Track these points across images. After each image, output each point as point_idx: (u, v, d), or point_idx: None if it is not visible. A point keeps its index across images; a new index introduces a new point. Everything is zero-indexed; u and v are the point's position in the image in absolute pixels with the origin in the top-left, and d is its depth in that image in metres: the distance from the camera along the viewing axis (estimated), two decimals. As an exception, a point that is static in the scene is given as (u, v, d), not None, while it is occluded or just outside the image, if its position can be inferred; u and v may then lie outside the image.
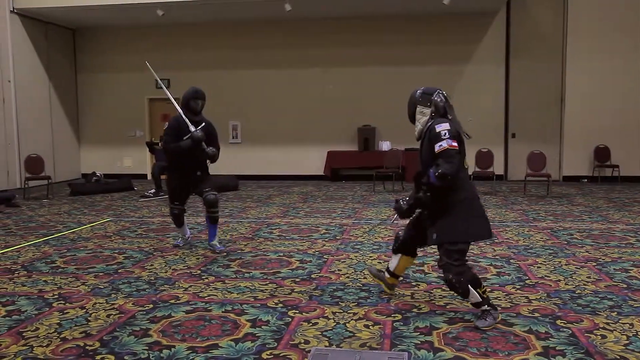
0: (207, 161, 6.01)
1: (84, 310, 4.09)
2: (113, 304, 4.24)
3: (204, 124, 5.95)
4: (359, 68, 13.58)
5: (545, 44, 13.20)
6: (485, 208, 9.04)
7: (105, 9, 12.24)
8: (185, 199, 6.16)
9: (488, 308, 3.73)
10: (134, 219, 8.37)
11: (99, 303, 4.26)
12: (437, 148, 3.68)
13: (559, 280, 4.77)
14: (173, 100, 6.18)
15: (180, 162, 5.88)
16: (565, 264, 5.34)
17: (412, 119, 4.08)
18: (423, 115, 3.95)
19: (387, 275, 4.37)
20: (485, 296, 3.72)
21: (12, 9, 12.18)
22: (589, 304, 4.14)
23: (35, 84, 13.05)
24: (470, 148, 13.14)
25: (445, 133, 3.68)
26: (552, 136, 13.32)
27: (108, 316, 3.95)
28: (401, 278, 4.55)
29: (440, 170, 3.62)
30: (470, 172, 12.24)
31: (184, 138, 5.75)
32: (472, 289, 3.66)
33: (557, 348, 3.33)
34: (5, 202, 9.50)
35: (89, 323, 3.82)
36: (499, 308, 4.00)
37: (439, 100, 3.91)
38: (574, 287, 4.56)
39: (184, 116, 5.81)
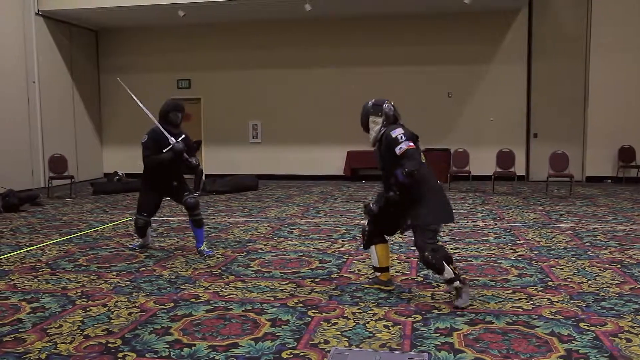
0: (193, 172, 6.10)
1: (106, 308, 4.14)
2: (134, 302, 4.28)
3: (183, 135, 5.89)
4: (380, 68, 13.53)
5: (568, 42, 13.02)
6: (507, 209, 9.04)
7: (128, 10, 12.38)
8: (154, 211, 6.14)
9: (460, 285, 4.08)
10: (155, 218, 8.43)
11: (120, 301, 4.30)
12: (397, 151, 4.13)
13: (582, 282, 4.71)
14: (149, 113, 6.20)
15: (157, 173, 5.86)
16: (589, 266, 5.26)
17: (366, 128, 4.49)
18: (376, 124, 4.38)
19: (377, 274, 4.66)
20: (456, 272, 4.11)
21: (37, 11, 12.38)
22: (613, 306, 4.07)
23: (58, 85, 13.25)
24: (490, 149, 13.10)
25: (402, 136, 4.16)
26: (575, 136, 13.14)
27: (130, 314, 3.99)
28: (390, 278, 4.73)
29: (406, 169, 4.06)
30: (491, 172, 12.14)
31: (164, 150, 5.69)
32: (446, 265, 4.04)
33: (580, 351, 3.28)
34: (30, 201, 9.66)
35: (111, 321, 3.86)
36: (520, 310, 3.97)
37: (388, 109, 4.40)
38: (597, 290, 4.49)
39: (161, 128, 5.77)
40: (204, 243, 6.01)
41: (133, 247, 6.23)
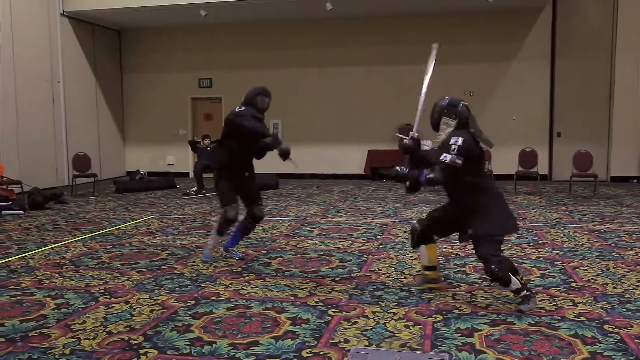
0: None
1: (128, 305, 4.18)
2: (156, 299, 4.32)
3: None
4: (401, 66, 13.45)
5: (593, 40, 12.82)
6: (529, 208, 8.95)
7: (150, 10, 12.52)
8: (238, 200, 5.54)
9: (528, 293, 3.96)
10: (177, 216, 8.52)
11: (142, 298, 4.35)
12: (442, 157, 3.96)
13: (607, 284, 4.63)
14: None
15: (235, 161, 5.44)
16: (613, 267, 5.18)
17: (436, 128, 4.28)
18: (448, 126, 4.18)
19: (426, 272, 4.53)
20: (523, 282, 3.99)
21: (62, 12, 12.57)
22: (639, 309, 4.00)
23: (82, 84, 13.44)
24: (512, 148, 12.96)
25: (455, 149, 3.94)
26: (599, 135, 12.93)
27: (151, 311, 4.03)
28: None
29: (431, 175, 3.97)
30: (513, 172, 12.01)
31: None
32: (512, 276, 3.90)
33: (604, 354, 3.23)
34: (54, 199, 9.80)
35: (133, 318, 3.90)
36: (543, 311, 3.92)
37: (462, 112, 4.20)
38: (622, 291, 4.42)
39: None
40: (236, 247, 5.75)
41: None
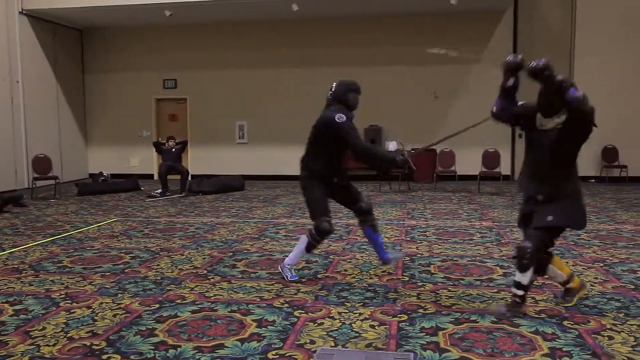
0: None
1: (91, 309, 4.11)
2: (119, 303, 4.25)
3: None
4: (365, 68, 13.54)
5: (552, 43, 13.12)
6: (492, 208, 9.10)
7: (113, 9, 12.30)
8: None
9: (518, 301, 3.88)
10: (141, 218, 8.40)
11: (105, 303, 4.27)
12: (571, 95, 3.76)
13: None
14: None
15: (326, 167, 4.83)
16: (573, 265, 5.31)
17: (551, 112, 3.92)
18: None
19: (570, 285, 4.12)
20: (527, 290, 3.92)
21: (20, 10, 12.26)
22: (596, 305, 4.11)
23: (43, 85, 13.13)
24: (476, 149, 13.16)
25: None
26: (559, 136, 13.23)
27: (114, 316, 3.97)
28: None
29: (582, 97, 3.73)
30: (477, 172, 12.21)
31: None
32: (532, 270, 3.82)
33: (563, 349, 3.31)
34: (13, 202, 9.55)
35: (96, 322, 3.83)
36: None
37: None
38: (581, 288, 4.53)
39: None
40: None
41: (293, 278, 4.85)
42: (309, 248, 4.88)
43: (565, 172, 3.92)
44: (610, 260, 5.50)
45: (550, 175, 3.88)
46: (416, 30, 13.38)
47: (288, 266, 4.92)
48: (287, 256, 5.05)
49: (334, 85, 4.86)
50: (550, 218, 3.79)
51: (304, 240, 4.86)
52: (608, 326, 3.67)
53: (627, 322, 3.74)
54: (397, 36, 13.49)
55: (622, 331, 3.58)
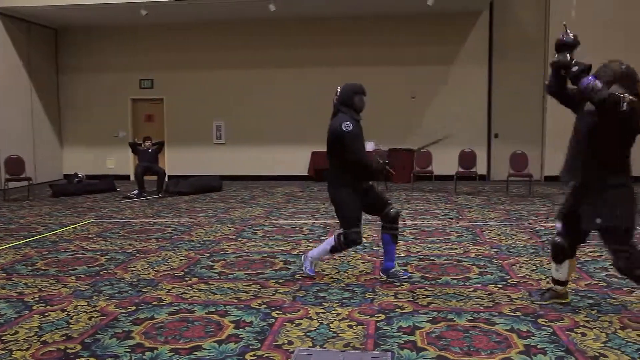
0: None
1: (65, 312, 4.05)
2: (95, 306, 4.20)
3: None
4: (343, 68, 13.57)
5: (527, 44, 13.32)
6: (469, 208, 9.19)
7: (88, 8, 12.14)
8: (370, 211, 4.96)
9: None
10: (117, 220, 8.31)
11: (80, 305, 4.21)
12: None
13: (541, 279, 4.82)
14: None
15: (358, 172, 4.75)
16: (547, 263, 5.38)
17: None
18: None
19: (558, 287, 4.15)
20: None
21: (-8, 8, 12.05)
22: (569, 302, 4.18)
23: (15, 84, 12.90)
24: (453, 148, 13.27)
25: (627, 98, 3.52)
26: (534, 136, 13.44)
27: (90, 318, 3.92)
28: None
29: (598, 85, 3.58)
30: (453, 172, 12.32)
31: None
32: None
33: (538, 346, 3.36)
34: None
35: (70, 326, 3.78)
36: (481, 307, 4.05)
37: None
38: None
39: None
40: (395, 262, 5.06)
41: (311, 273, 4.98)
42: (333, 251, 4.90)
43: (604, 162, 3.68)
44: (583, 258, 5.59)
45: (587, 163, 3.75)
46: (393, 32, 13.45)
47: (310, 258, 5.01)
48: (311, 249, 5.24)
49: (338, 90, 4.88)
50: (598, 220, 3.68)
51: (330, 241, 4.86)
52: (581, 323, 3.74)
53: (599, 319, 3.81)
54: (374, 37, 13.54)
55: (595, 328, 3.65)
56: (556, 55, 3.95)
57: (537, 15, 13.27)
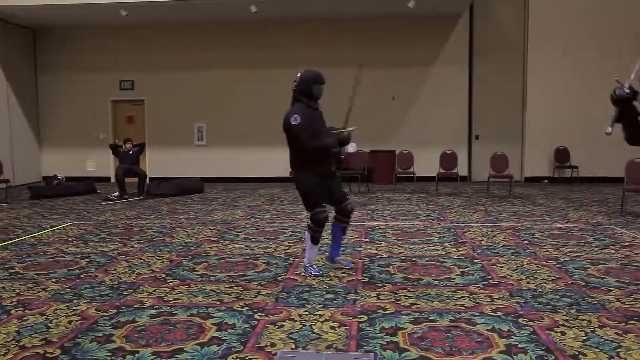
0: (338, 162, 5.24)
1: (44, 317, 4.00)
2: (75, 309, 4.15)
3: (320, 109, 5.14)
4: (325, 69, 13.52)
5: (507, 46, 13.47)
6: (450, 209, 9.26)
7: (67, 8, 12.02)
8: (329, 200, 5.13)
9: None
10: (97, 222, 8.22)
11: (60, 309, 4.16)
12: None
13: (521, 280, 4.87)
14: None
15: (319, 157, 4.96)
16: (527, 263, 5.45)
17: None
18: None
19: None
20: None
21: (-32, 8, 11.86)
22: (549, 302, 4.23)
23: (-7, 85, 12.73)
24: (434, 149, 13.35)
25: None
26: (514, 138, 13.59)
27: (69, 322, 3.87)
28: None
29: None
30: (435, 173, 12.41)
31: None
32: None
33: (519, 346, 3.39)
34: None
35: (50, 330, 3.73)
36: (463, 307, 4.08)
37: None
38: (535, 286, 4.66)
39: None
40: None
41: (318, 273, 5.08)
42: (314, 241, 5.09)
43: None
44: (563, 258, 5.67)
45: None
46: (374, 33, 13.52)
47: (308, 264, 5.15)
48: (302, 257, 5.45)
49: (297, 77, 5.04)
50: None
51: (307, 237, 5.10)
52: (561, 322, 3.78)
53: (579, 318, 3.86)
54: (355, 38, 13.59)
55: (574, 327, 3.70)
56: (614, 109, 3.60)
57: (517, 17, 13.43)
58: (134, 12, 12.18)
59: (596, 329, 3.64)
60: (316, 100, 5.04)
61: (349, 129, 5.12)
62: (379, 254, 5.91)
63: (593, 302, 4.21)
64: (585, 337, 3.51)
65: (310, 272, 5.08)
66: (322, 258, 5.58)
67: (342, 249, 5.72)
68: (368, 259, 5.67)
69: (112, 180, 13.63)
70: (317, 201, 5.00)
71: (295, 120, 4.83)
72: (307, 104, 4.98)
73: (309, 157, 4.92)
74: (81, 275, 5.15)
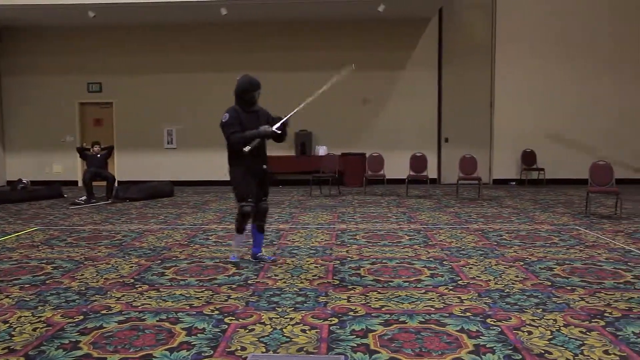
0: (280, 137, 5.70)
1: (8, 324, 3.90)
2: (40, 316, 4.06)
3: (258, 111, 5.63)
4: (295, 72, 13.62)
5: (475, 51, 13.68)
6: (420, 211, 9.33)
7: (32, 8, 11.77)
8: (255, 196, 5.55)
9: None
10: (64, 227, 8.07)
11: (24, 316, 4.07)
12: None
13: (489, 280, 4.94)
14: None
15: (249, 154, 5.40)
16: (495, 264, 5.53)
17: None
18: None
19: None
20: None
21: None
22: (516, 302, 4.31)
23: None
24: (404, 153, 13.45)
25: None
26: (482, 141, 13.80)
27: (34, 330, 3.79)
28: None
29: None
30: (405, 176, 12.51)
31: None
32: None
33: (487, 346, 3.44)
34: None
35: (13, 338, 3.64)
36: (432, 309, 4.12)
37: None
38: (503, 287, 4.73)
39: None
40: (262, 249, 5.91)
41: (233, 260, 5.69)
42: (238, 230, 5.66)
43: None
44: (530, 259, 5.77)
45: None
46: (345, 37, 13.58)
47: (232, 251, 5.81)
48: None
49: (237, 80, 5.65)
50: None
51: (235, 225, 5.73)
52: (527, 322, 3.85)
53: (545, 317, 3.93)
54: (326, 42, 13.64)
55: (540, 326, 3.76)
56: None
57: (485, 22, 13.65)
58: (102, 13, 12.00)
59: (561, 328, 3.72)
60: (250, 103, 5.53)
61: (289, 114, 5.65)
62: (349, 257, 5.93)
63: (558, 302, 4.29)
64: (551, 336, 3.58)
65: (229, 258, 5.74)
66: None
67: (312, 251, 5.78)
68: (339, 262, 5.68)
69: (80, 184, 13.40)
70: (244, 195, 5.46)
71: (224, 117, 5.43)
72: (242, 106, 5.50)
73: (239, 154, 5.36)
74: (47, 281, 5.05)
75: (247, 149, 5.31)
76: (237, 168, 5.47)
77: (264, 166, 5.62)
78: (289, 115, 5.70)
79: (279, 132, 5.52)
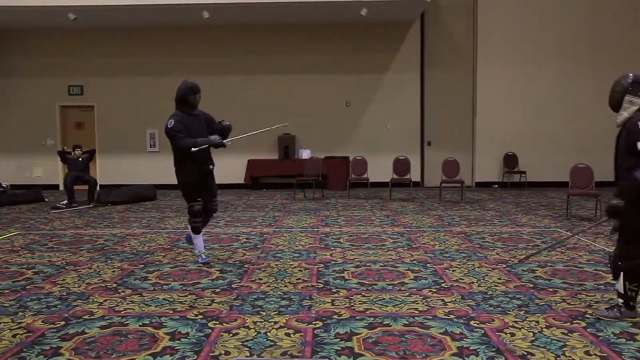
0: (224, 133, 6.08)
1: (-12, 330, 3.85)
2: (20, 322, 4.01)
3: (199, 114, 5.91)
4: (279, 76, 13.62)
5: (457, 54, 13.79)
6: (403, 214, 9.36)
7: (11, 10, 11.62)
8: (203, 195, 5.87)
9: (621, 305, 3.90)
10: (45, 231, 7.97)
11: (4, 322, 4.01)
12: (639, 146, 3.61)
13: (472, 283, 4.97)
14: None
15: (194, 156, 5.67)
16: (478, 267, 5.57)
17: (617, 108, 3.89)
18: (632, 104, 3.80)
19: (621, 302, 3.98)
20: (629, 293, 3.83)
21: None
22: (499, 304, 4.34)
23: None
24: (388, 156, 13.49)
25: None
26: (465, 144, 13.90)
27: (14, 336, 3.73)
28: None
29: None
30: (388, 179, 12.54)
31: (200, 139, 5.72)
32: (622, 277, 3.81)
33: (470, 348, 3.46)
34: None
35: (-6, 344, 3.59)
36: (416, 311, 4.14)
37: None
38: (485, 289, 4.77)
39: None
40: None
41: (203, 261, 5.82)
42: (195, 230, 5.86)
43: None
44: (512, 261, 5.82)
45: None
46: (328, 40, 13.61)
47: (198, 254, 5.89)
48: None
49: (177, 86, 5.86)
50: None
51: (189, 227, 5.92)
52: (510, 324, 3.88)
53: (527, 319, 3.97)
54: (309, 45, 13.65)
55: (523, 327, 3.80)
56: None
57: (466, 26, 13.77)
58: (83, 16, 11.90)
59: (544, 329, 3.76)
60: (191, 107, 5.77)
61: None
62: (333, 260, 5.94)
63: (541, 304, 4.34)
64: (533, 338, 3.61)
65: (199, 261, 5.80)
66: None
67: (296, 255, 5.79)
68: (323, 265, 5.69)
69: (61, 187, 13.25)
70: (192, 196, 5.77)
71: (170, 124, 5.63)
72: (183, 110, 5.73)
73: (185, 156, 5.61)
74: (27, 287, 4.98)
75: (194, 149, 5.57)
76: (184, 170, 5.74)
77: (211, 166, 5.91)
78: (239, 137, 6.61)
79: (226, 145, 6.05)
